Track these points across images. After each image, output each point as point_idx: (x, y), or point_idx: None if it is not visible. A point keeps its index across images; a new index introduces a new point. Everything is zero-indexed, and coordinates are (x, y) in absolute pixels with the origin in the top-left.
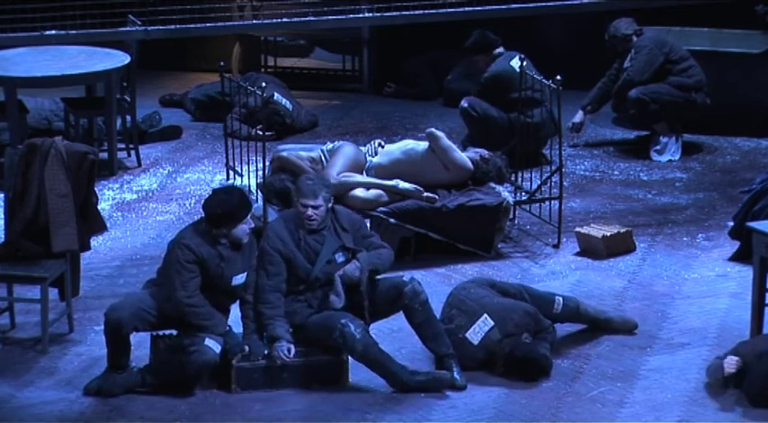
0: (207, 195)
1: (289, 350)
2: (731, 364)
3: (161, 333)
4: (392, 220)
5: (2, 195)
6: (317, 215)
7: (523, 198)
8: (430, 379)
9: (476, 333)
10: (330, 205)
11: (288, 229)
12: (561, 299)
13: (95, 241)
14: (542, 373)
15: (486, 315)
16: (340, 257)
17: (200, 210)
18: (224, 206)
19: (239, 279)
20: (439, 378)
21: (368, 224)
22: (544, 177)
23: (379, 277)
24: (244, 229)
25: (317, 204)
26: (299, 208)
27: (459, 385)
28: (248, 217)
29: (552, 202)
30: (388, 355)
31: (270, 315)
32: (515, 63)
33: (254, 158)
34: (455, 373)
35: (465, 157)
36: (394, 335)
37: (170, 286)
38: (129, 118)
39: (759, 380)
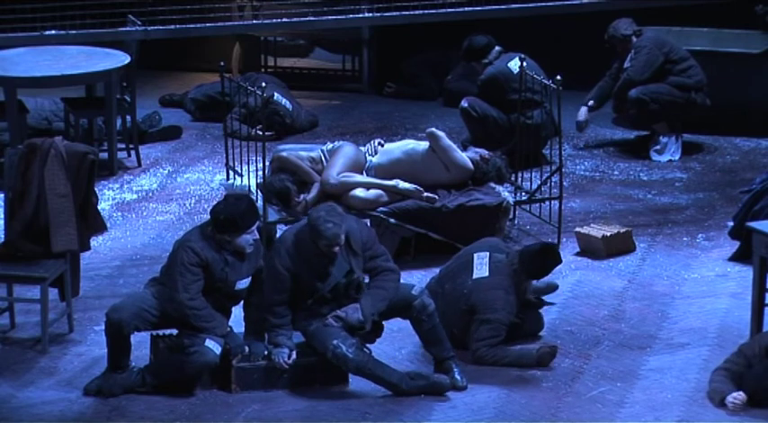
0: (213, 197)
1: (289, 356)
2: (737, 400)
3: (161, 333)
4: (392, 220)
5: (2, 195)
6: (338, 248)
7: (523, 198)
8: (430, 384)
9: (479, 268)
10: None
11: (299, 247)
12: None
13: (95, 241)
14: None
15: (475, 254)
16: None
17: (202, 211)
18: (228, 213)
19: (243, 284)
20: (439, 382)
21: (368, 223)
22: (544, 177)
23: None
24: (247, 239)
25: (341, 243)
26: (321, 248)
27: (459, 386)
28: (254, 228)
29: (552, 202)
30: (384, 365)
31: (276, 324)
32: (514, 64)
33: (254, 158)
34: (456, 373)
35: (465, 157)
36: (394, 335)
37: (172, 287)
38: (129, 118)
39: (759, 377)
